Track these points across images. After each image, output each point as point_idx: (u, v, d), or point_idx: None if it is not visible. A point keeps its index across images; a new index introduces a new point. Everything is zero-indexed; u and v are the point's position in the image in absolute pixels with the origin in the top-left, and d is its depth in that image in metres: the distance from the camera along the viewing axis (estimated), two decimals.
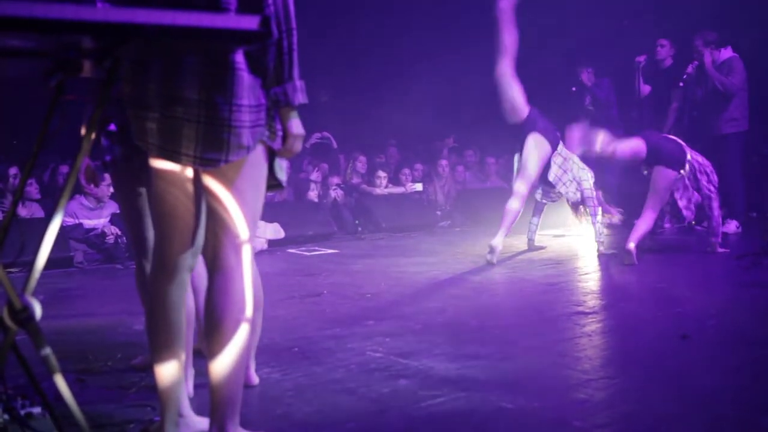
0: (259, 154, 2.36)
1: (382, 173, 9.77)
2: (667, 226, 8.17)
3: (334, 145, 10.71)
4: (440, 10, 10.85)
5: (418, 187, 9.96)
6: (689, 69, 7.84)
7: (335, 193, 9.33)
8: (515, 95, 6.31)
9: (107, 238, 6.95)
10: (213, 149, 2.25)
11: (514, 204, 6.40)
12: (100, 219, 7.27)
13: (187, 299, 2.55)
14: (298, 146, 2.41)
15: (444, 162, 10.33)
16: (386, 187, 9.68)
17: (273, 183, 2.48)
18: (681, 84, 7.86)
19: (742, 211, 7.79)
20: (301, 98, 2.34)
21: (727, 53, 7.77)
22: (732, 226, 7.71)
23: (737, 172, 7.65)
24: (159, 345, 2.43)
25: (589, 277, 5.74)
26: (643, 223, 6.14)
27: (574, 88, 9.01)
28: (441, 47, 10.92)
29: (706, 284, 5.32)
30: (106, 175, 7.32)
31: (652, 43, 8.32)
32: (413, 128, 11.20)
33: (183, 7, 2.16)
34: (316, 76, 10.44)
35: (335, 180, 9.69)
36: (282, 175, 2.51)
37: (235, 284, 2.36)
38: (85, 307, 5.14)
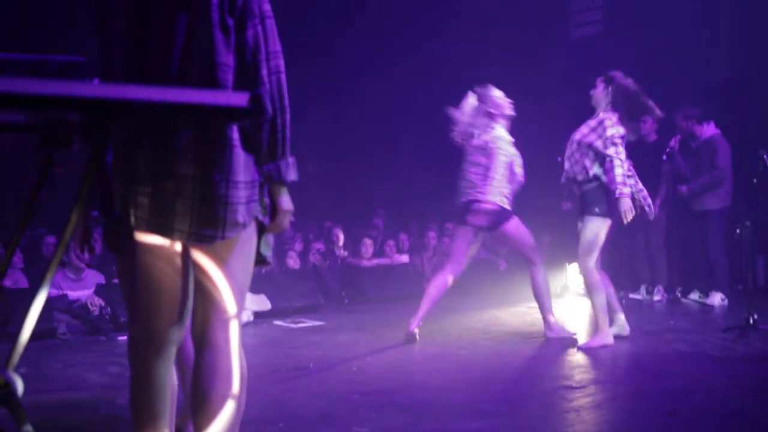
0: (251, 230, 2.37)
1: (368, 241, 9.77)
2: (657, 298, 8.19)
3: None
4: (430, 73, 11.02)
5: (405, 258, 9.96)
6: (672, 143, 7.96)
7: (314, 258, 9.34)
8: None
9: (92, 309, 6.89)
10: (209, 226, 2.25)
11: None
12: (84, 290, 7.21)
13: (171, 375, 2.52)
14: (287, 222, 2.43)
15: (432, 233, 10.36)
16: (372, 258, 9.67)
17: (258, 259, 2.48)
18: (665, 158, 7.98)
19: (727, 284, 7.83)
20: (293, 175, 2.37)
21: (710, 130, 7.90)
22: (717, 299, 7.74)
23: (721, 245, 7.72)
24: (143, 422, 2.39)
25: (577, 351, 5.70)
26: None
27: (559, 158, 9.09)
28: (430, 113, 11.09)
29: (693, 357, 5.30)
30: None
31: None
32: (402, 199, 11.28)
33: (181, 84, 2.20)
34: (303, 145, 10.56)
35: (317, 245, 9.69)
36: (268, 251, 2.52)
37: (222, 360, 2.34)
38: (68, 381, 5.05)
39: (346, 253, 9.85)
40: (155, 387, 2.40)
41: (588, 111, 6.01)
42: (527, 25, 10.11)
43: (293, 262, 9.10)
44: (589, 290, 5.79)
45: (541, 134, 9.35)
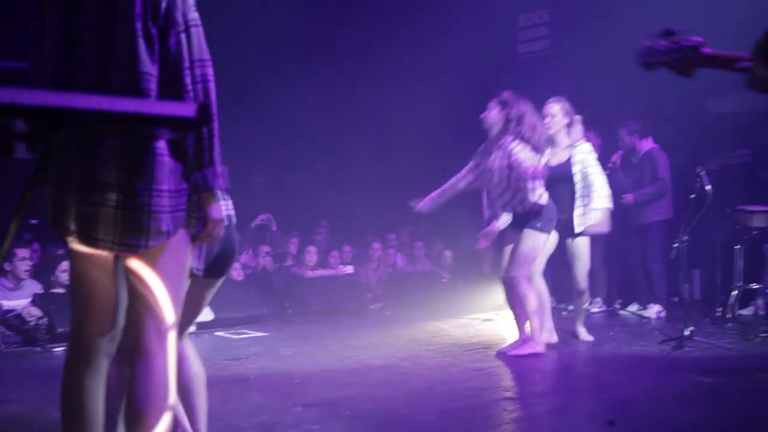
0: (180, 239, 2.35)
1: (312, 248, 9.74)
2: (596, 310, 8.32)
3: (274, 227, 10.67)
4: (380, 86, 11.06)
5: (349, 269, 9.94)
6: (614, 158, 8.13)
7: (264, 261, 9.28)
8: None
9: (28, 320, 6.72)
10: (132, 235, 2.23)
11: None
12: (20, 300, 7.03)
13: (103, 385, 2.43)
14: (219, 231, 2.41)
15: (376, 245, 10.37)
16: (316, 269, 9.64)
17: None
18: (607, 172, 8.12)
19: (664, 297, 8.01)
20: (221, 183, 2.36)
21: (648, 144, 8.10)
22: (655, 311, 7.90)
23: (659, 258, 7.90)
24: None
25: (518, 361, 5.76)
26: None
27: None
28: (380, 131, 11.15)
29: (632, 369, 5.40)
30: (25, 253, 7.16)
31: None
32: (345, 210, 11.28)
33: (104, 92, 2.18)
34: (251, 157, 10.50)
35: (265, 248, 9.64)
36: (195, 263, 2.51)
37: (158, 371, 2.30)
38: (0, 393, 4.91)
39: (291, 264, 9.80)
40: (86, 401, 2.35)
41: None
42: (474, 40, 10.21)
43: (236, 273, 9.01)
44: (522, 299, 5.84)
45: None
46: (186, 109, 1.61)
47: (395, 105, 10.96)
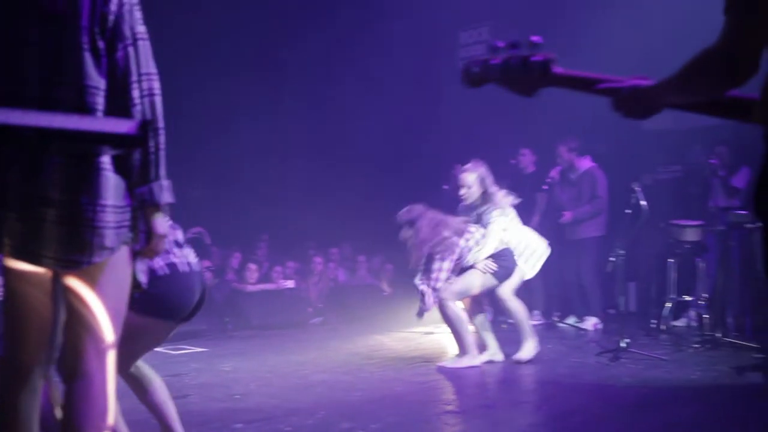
0: (123, 255, 2.32)
1: (252, 266, 9.67)
2: (534, 323, 8.41)
3: (208, 240, 10.55)
4: (320, 104, 11.06)
5: (290, 283, 9.89)
6: (552, 173, 8.27)
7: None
8: None
9: None
10: (75, 251, 2.19)
11: None
12: None
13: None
14: (162, 246, 2.39)
15: (318, 259, 10.34)
16: (257, 283, 9.57)
17: (134, 284, 2.43)
18: (545, 187, 8.26)
19: (600, 309, 8.16)
20: (167, 198, 2.34)
21: (587, 162, 8.27)
22: (591, 323, 8.05)
23: (594, 272, 8.05)
24: None
25: (459, 375, 5.80)
26: None
27: (445, 186, 9.27)
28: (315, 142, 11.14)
29: (570, 381, 5.48)
30: None
31: (515, 152, 8.76)
32: (287, 225, 11.22)
33: (50, 107, 2.14)
34: (189, 170, 10.36)
35: (205, 263, 9.53)
36: (141, 277, 2.48)
37: (96, 390, 2.26)
38: None
39: (232, 278, 9.71)
40: (20, 418, 2.29)
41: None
42: (415, 56, 10.30)
43: None
44: (451, 318, 6.11)
45: (432, 164, 9.55)
46: (127, 127, 1.60)
47: (336, 120, 10.99)
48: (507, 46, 1.88)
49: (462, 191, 6.24)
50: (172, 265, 3.16)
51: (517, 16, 9.62)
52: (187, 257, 3.25)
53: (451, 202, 8.81)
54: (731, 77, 1.63)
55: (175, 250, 3.22)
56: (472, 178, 6.20)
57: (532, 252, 6.47)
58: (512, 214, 6.34)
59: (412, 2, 10.09)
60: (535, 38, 1.87)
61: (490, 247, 6.11)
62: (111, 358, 2.30)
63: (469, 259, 6.12)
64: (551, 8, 9.15)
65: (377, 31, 10.38)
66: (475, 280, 6.13)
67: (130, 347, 3.22)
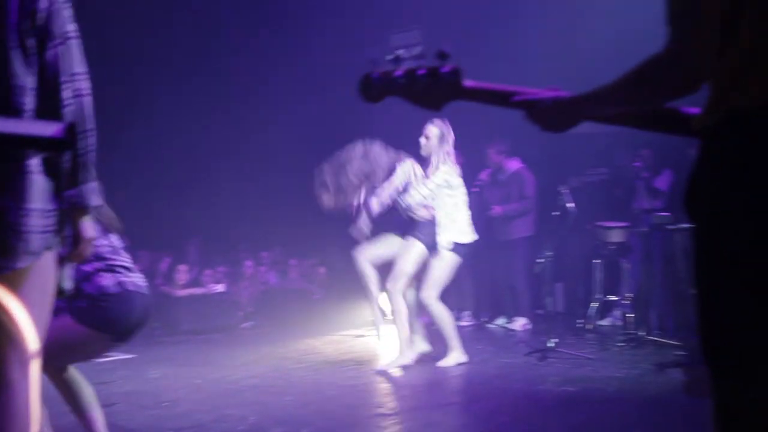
0: (48, 261, 2.26)
1: (183, 267, 9.53)
2: (464, 323, 8.51)
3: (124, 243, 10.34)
4: (249, 108, 10.95)
5: (221, 287, 9.79)
6: (482, 175, 8.38)
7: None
8: None
9: None
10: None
11: None
12: None
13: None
14: (89, 250, 2.34)
15: (248, 262, 10.26)
16: (187, 287, 9.44)
17: (58, 291, 2.38)
18: (474, 190, 8.35)
19: (529, 310, 8.30)
20: (96, 200, 2.29)
21: (516, 164, 8.40)
22: (520, 324, 8.18)
23: (523, 273, 8.19)
24: None
25: (389, 378, 5.83)
26: None
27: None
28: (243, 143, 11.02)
29: (499, 381, 5.55)
30: None
31: None
32: (217, 228, 11.09)
33: None
34: (117, 172, 10.15)
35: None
36: (67, 283, 2.42)
37: (19, 400, 2.19)
38: None
39: (160, 282, 9.55)
40: None
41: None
42: (346, 60, 10.29)
43: None
44: (395, 312, 6.17)
45: None
46: (54, 130, 1.55)
47: (266, 122, 10.90)
48: (411, 57, 1.82)
49: (421, 140, 6.24)
50: (122, 284, 3.41)
51: (448, 21, 9.71)
52: (136, 280, 3.50)
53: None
54: (681, 85, 1.62)
55: (129, 273, 3.50)
56: (434, 132, 6.21)
57: (456, 228, 6.23)
58: (461, 188, 6.30)
59: (343, 3, 10.09)
60: (443, 48, 1.80)
61: (424, 191, 6.10)
62: (35, 367, 2.24)
63: (404, 199, 6.18)
64: (483, 14, 9.26)
65: (310, 32, 10.35)
66: (392, 247, 6.22)
67: (66, 354, 3.24)
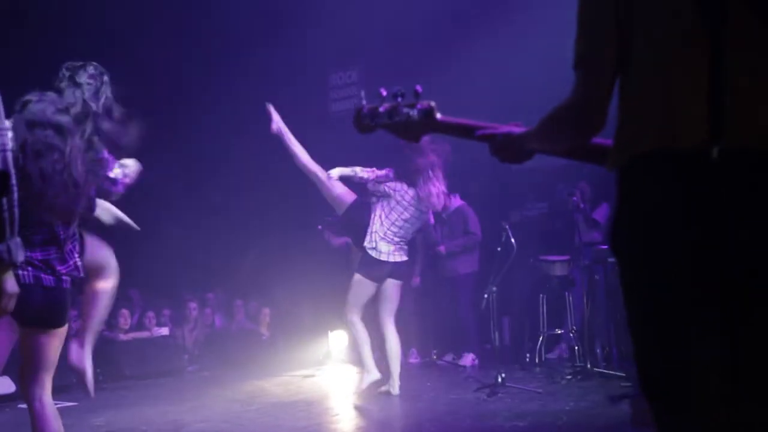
0: None
1: (125, 311, 9.34)
2: (412, 360, 8.50)
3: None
4: (188, 147, 10.86)
5: (165, 331, 9.61)
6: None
7: (75, 325, 8.79)
8: None
9: None
10: None
11: None
12: None
13: None
14: (12, 305, 2.33)
15: (193, 305, 10.10)
16: (130, 331, 9.24)
17: None
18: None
19: (477, 344, 8.34)
20: (21, 256, 2.28)
21: (457, 201, 8.48)
22: (469, 359, 8.20)
23: (469, 308, 8.23)
24: None
25: (340, 418, 5.78)
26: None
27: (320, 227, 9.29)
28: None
29: (449, 417, 5.54)
30: None
31: None
32: (160, 271, 10.92)
33: None
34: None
35: (72, 312, 9.11)
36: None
37: None
38: None
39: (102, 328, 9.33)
40: None
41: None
42: (287, 98, 10.32)
43: None
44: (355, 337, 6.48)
45: (301, 207, 9.53)
46: None
47: (205, 160, 10.84)
48: (393, 95, 1.99)
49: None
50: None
51: (386, 60, 9.85)
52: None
53: (323, 244, 8.85)
54: (583, 131, 1.76)
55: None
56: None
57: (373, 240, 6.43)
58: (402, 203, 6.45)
59: (289, 42, 10.14)
60: (417, 87, 1.99)
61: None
62: None
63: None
64: (419, 52, 9.41)
65: (253, 69, 10.35)
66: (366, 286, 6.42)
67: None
